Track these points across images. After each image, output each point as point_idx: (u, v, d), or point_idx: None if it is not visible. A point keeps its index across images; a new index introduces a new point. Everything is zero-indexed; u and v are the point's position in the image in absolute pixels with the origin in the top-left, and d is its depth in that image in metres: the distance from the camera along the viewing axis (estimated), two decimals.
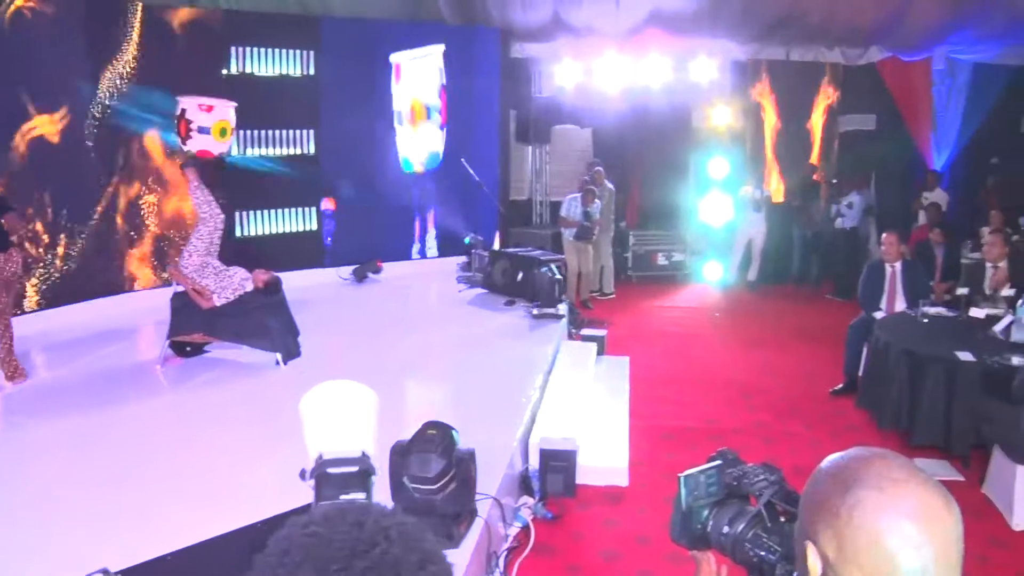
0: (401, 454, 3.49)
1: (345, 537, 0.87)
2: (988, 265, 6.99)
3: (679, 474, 1.66)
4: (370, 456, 3.16)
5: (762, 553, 1.53)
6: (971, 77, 12.04)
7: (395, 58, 9.90)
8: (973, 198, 11.95)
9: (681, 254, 11.47)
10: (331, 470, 3.07)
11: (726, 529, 1.62)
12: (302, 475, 3.17)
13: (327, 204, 9.61)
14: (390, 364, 6.33)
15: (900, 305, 6.83)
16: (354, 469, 3.08)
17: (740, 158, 11.59)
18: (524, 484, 4.86)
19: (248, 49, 8.82)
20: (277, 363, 6.24)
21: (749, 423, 6.24)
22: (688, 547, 1.70)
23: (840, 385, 6.88)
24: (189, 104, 6.32)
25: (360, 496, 3.00)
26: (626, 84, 10.91)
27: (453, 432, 3.57)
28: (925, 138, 12.21)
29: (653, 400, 6.62)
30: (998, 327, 5.94)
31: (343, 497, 2.96)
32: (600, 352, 7.24)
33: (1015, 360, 5.14)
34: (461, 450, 3.58)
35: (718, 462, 1.72)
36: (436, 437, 3.51)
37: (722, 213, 11.26)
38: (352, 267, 9.53)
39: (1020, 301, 6.02)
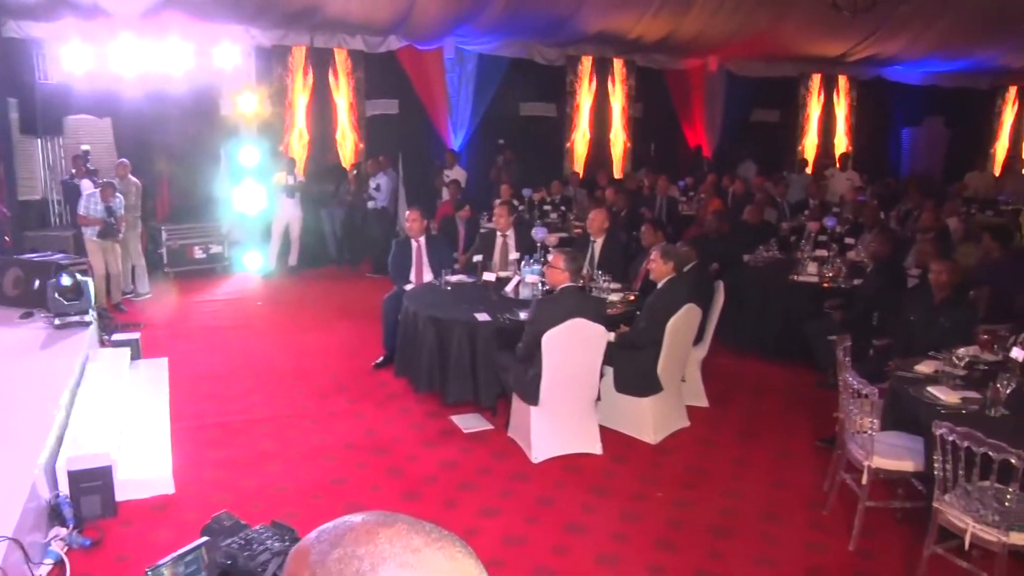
0: None
1: None
2: (498, 234, 7.80)
3: (146, 569, 1.43)
4: None
5: None
6: (477, 66, 13.31)
7: None
8: (487, 174, 13.29)
9: (219, 245, 11.08)
10: None
11: None
12: None
13: None
14: None
15: (427, 276, 7.31)
16: None
17: (271, 145, 11.52)
18: (55, 514, 4.39)
19: None
20: None
21: (296, 407, 6.30)
22: None
23: (381, 358, 7.21)
24: None
25: None
26: (146, 70, 10.22)
27: None
28: (443, 121, 13.25)
29: (197, 398, 6.38)
30: (508, 287, 6.69)
31: None
32: (135, 356, 6.78)
33: (522, 315, 5.79)
34: None
35: (203, 540, 1.49)
36: None
37: (257, 201, 11.09)
38: None
39: (523, 263, 6.83)
